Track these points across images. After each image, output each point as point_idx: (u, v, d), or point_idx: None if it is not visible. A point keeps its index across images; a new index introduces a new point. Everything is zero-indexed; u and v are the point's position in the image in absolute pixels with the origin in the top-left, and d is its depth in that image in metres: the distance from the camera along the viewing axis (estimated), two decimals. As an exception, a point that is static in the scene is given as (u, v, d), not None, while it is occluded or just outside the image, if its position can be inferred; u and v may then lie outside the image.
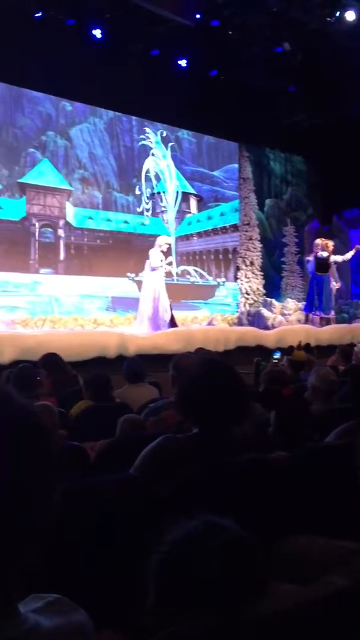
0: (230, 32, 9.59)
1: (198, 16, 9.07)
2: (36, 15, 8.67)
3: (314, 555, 1.10)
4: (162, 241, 9.67)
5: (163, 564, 0.83)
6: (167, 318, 9.26)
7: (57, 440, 2.68)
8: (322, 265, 10.85)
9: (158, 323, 9.14)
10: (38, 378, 3.98)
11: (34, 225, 10.02)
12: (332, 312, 11.18)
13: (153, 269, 9.41)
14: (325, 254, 10.80)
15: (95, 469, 2.46)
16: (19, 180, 9.82)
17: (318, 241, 11.03)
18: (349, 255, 11.24)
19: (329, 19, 9.24)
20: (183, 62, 10.46)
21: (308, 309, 11.09)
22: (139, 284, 10.10)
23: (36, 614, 0.78)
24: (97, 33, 9.29)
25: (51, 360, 4.81)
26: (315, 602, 0.88)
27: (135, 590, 1.64)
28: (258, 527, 0.95)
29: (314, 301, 10.92)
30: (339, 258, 11.08)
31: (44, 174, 10.13)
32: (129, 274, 10.73)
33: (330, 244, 11.04)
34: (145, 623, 0.87)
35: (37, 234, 10.03)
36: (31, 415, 0.77)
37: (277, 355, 6.56)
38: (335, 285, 11.06)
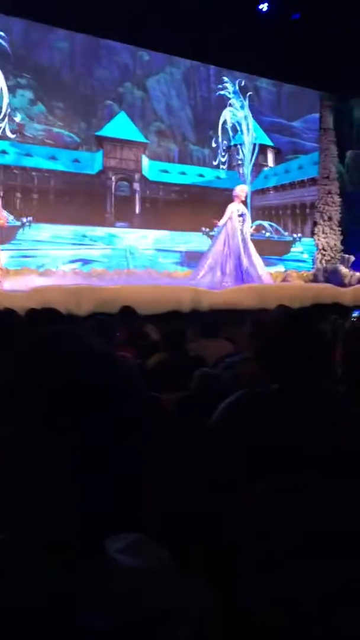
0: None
1: None
2: None
3: None
4: (240, 190, 9.30)
5: (251, 516, 0.82)
6: (256, 273, 9.10)
7: (140, 387, 2.74)
8: None
9: (236, 276, 8.98)
10: (116, 331, 4.05)
11: (110, 178, 10.06)
12: None
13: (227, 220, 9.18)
14: None
15: (172, 421, 2.50)
16: (97, 134, 9.84)
17: None
18: None
19: None
20: (264, 6, 10.02)
21: None
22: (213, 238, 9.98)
23: (120, 553, 0.77)
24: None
25: (128, 313, 4.90)
26: None
27: (214, 535, 1.67)
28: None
29: None
30: None
31: (120, 127, 10.10)
32: (203, 229, 10.65)
33: None
34: (229, 568, 0.87)
35: (113, 187, 10.08)
36: (114, 361, 0.76)
37: (356, 314, 6.39)
38: None
